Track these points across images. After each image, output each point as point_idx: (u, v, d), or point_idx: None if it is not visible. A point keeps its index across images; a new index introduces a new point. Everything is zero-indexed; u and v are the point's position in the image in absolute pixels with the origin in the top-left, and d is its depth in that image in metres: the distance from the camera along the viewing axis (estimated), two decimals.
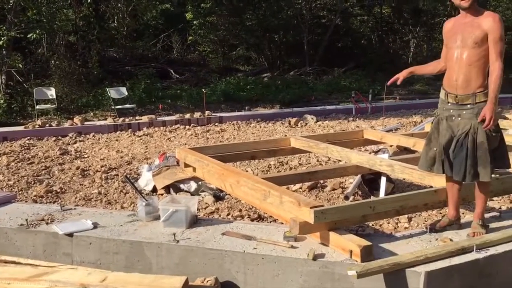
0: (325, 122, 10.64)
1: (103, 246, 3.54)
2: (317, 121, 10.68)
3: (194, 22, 19.99)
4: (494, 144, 3.27)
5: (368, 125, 10.03)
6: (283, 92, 14.40)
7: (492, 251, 3.10)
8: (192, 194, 5.00)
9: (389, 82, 3.70)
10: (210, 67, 19.38)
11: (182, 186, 5.15)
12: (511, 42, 22.62)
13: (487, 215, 3.63)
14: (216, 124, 10.41)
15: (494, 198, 4.53)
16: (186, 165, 5.14)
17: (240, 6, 18.83)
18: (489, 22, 3.19)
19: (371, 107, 12.22)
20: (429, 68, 3.72)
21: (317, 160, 6.68)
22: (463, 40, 3.26)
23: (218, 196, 5.01)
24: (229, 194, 4.87)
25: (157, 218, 3.78)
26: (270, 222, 4.24)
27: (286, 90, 14.80)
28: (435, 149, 3.42)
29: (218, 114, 11.06)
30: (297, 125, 10.22)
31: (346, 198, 4.88)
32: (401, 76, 3.64)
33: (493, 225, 3.52)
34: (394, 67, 20.08)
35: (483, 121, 3.20)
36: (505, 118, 7.25)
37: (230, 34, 20.47)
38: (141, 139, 8.84)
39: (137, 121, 10.06)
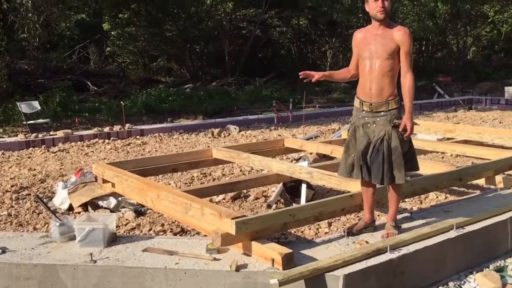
0: (248, 131, 10.74)
1: (12, 272, 3.30)
2: (240, 131, 10.75)
3: (112, 33, 19.47)
4: (405, 148, 3.46)
5: (289, 134, 10.25)
6: (205, 103, 14.38)
7: (404, 250, 3.26)
8: (112, 211, 4.81)
9: (301, 73, 3.63)
10: (130, 78, 18.94)
11: (100, 203, 4.94)
12: (419, 52, 24.36)
13: (399, 216, 3.82)
14: (137, 137, 10.15)
15: (406, 200, 4.79)
16: (105, 181, 4.96)
17: (159, 17, 18.60)
18: (401, 35, 3.38)
19: (292, 116, 12.52)
20: (341, 75, 3.82)
21: (240, 170, 6.71)
22: (376, 51, 3.42)
23: (139, 211, 4.86)
24: (151, 209, 4.75)
25: (73, 238, 3.60)
26: (193, 235, 4.18)
27: (209, 100, 14.80)
28: (353, 155, 3.55)
29: (139, 127, 10.79)
30: (220, 136, 10.22)
31: (269, 206, 4.93)
32: (316, 75, 3.63)
33: (405, 225, 3.72)
34: None
35: (396, 126, 3.38)
36: (414, 123, 7.71)
37: (150, 45, 20.18)
38: (56, 155, 8.40)
39: (51, 137, 9.55)
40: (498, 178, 4.77)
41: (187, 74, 20.57)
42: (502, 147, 6.59)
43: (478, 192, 4.86)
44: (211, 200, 5.06)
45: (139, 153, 8.34)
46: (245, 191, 5.42)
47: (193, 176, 6.38)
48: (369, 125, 3.48)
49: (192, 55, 20.81)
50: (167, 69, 22.04)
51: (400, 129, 3.37)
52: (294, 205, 4.68)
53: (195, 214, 3.57)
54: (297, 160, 6.89)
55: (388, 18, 3.44)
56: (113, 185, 4.86)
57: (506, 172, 5.14)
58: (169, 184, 6.03)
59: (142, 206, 4.81)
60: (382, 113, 3.45)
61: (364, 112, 3.52)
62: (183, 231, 4.32)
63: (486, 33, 25.39)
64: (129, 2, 17.67)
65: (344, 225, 4.28)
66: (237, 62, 20.19)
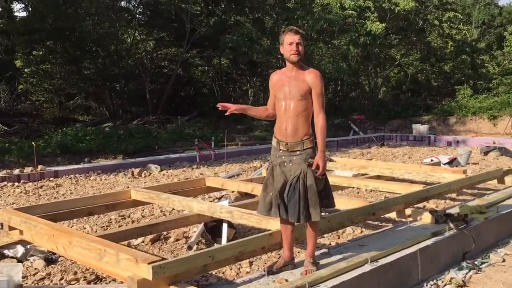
0: (170, 171, 10.57)
1: None
2: (162, 170, 10.56)
3: (25, 70, 18.62)
4: (320, 186, 3.56)
5: (211, 172, 10.22)
6: (126, 142, 14.02)
7: (322, 287, 3.31)
8: (19, 260, 4.46)
9: (219, 104, 3.73)
10: (45, 117, 18.10)
11: (6, 252, 4.57)
12: (334, 92, 25.63)
13: (317, 252, 3.90)
14: (51, 179, 9.61)
15: (325, 235, 4.91)
16: (11, 228, 4.61)
17: (77, 55, 18.12)
18: (312, 78, 3.54)
19: (214, 154, 12.53)
20: (258, 112, 3.91)
21: (161, 211, 6.55)
22: (290, 92, 3.56)
23: (50, 259, 4.56)
24: (63, 256, 4.47)
25: None
26: (109, 282, 3.99)
27: (129, 139, 14.46)
28: (271, 194, 3.60)
29: (54, 168, 10.24)
30: (141, 176, 9.96)
31: (190, 248, 4.83)
32: (232, 107, 3.74)
33: (323, 261, 3.78)
34: (235, 115, 21.15)
35: (311, 165, 3.48)
36: (331, 160, 8.03)
37: (67, 83, 19.53)
38: None
39: None
40: (408, 211, 5.04)
41: (106, 113, 20.06)
42: (411, 181, 7.02)
43: (390, 225, 5.11)
44: (129, 244, 4.88)
45: (52, 196, 7.90)
46: (165, 232, 5.28)
47: (110, 219, 6.13)
48: (285, 164, 3.57)
49: (112, 93, 20.39)
50: (85, 108, 21.37)
51: (313, 168, 3.48)
52: (215, 246, 4.63)
53: (110, 260, 3.41)
54: (219, 199, 6.87)
55: (301, 61, 3.60)
56: (21, 232, 4.53)
57: (415, 205, 5.46)
58: (84, 228, 5.75)
59: (54, 253, 4.53)
60: (297, 152, 3.55)
61: (281, 151, 3.61)
62: (98, 279, 4.11)
63: (394, 74, 27.40)
64: (44, 40, 17.07)
65: (265, 263, 4.29)
66: (159, 100, 20.03)
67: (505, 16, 32.13)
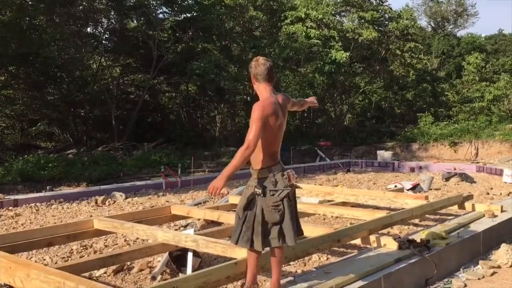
0: (135, 198, 10.38)
1: None
2: (127, 198, 10.36)
3: None
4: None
5: (178, 199, 10.10)
6: (90, 169, 13.73)
7: None
8: None
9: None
10: (5, 144, 17.58)
11: None
12: (301, 118, 25.93)
13: (283, 281, 3.88)
14: (10, 208, 9.27)
15: (291, 263, 4.90)
16: None
17: (40, 80, 17.79)
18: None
19: (181, 181, 12.41)
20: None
21: (125, 240, 6.39)
22: None
23: None
24: None
25: None
26: None
27: (94, 166, 14.17)
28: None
29: (13, 197, 9.89)
30: (105, 204, 9.74)
31: (153, 278, 4.73)
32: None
33: None
34: (203, 141, 21.11)
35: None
36: (298, 187, 8.06)
37: (30, 108, 19.10)
38: None
39: None
40: (372, 237, 5.10)
41: (70, 139, 19.66)
42: (376, 207, 7.12)
43: (355, 251, 5.14)
44: (90, 276, 4.73)
45: (10, 227, 7.61)
46: (128, 263, 5.15)
47: (71, 250, 5.94)
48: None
49: (76, 119, 20.04)
50: (48, 134, 20.89)
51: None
52: (180, 276, 4.54)
53: None
54: (185, 227, 6.77)
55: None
56: None
57: (380, 231, 5.53)
58: (44, 260, 5.55)
59: (11, 287, 4.34)
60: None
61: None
62: None
63: (359, 101, 28.03)
64: (7, 65, 16.72)
65: None
66: (125, 126, 19.81)
67: (463, 47, 33.62)
